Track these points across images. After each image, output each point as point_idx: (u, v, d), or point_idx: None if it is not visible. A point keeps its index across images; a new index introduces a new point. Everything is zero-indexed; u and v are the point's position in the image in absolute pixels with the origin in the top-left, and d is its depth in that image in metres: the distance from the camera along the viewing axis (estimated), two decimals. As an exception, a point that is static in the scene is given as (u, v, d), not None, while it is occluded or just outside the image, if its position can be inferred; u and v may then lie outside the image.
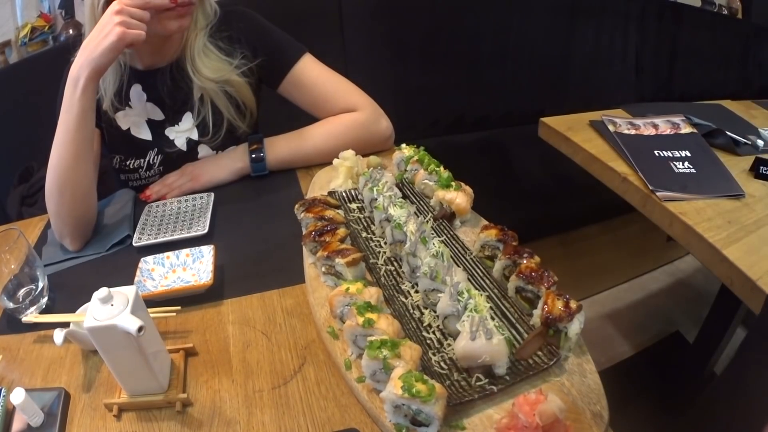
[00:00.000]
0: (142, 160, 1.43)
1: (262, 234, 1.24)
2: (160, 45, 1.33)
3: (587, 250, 2.64)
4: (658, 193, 1.35)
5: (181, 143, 1.43)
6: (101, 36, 1.08)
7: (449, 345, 0.83)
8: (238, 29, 1.37)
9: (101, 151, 1.38)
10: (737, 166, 1.50)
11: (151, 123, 1.41)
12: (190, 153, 1.44)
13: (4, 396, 0.81)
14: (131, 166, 1.44)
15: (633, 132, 1.63)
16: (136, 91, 1.37)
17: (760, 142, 1.63)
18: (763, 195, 1.38)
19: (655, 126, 1.66)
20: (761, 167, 1.46)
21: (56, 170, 1.14)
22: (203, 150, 1.45)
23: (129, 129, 1.40)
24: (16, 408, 0.77)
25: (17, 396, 0.75)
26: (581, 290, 2.70)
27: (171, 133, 1.42)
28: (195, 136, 1.43)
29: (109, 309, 0.72)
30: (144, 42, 1.12)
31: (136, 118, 1.40)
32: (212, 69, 1.33)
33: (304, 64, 1.41)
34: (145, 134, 1.41)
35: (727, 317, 1.90)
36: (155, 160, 1.44)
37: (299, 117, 1.46)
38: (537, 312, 0.82)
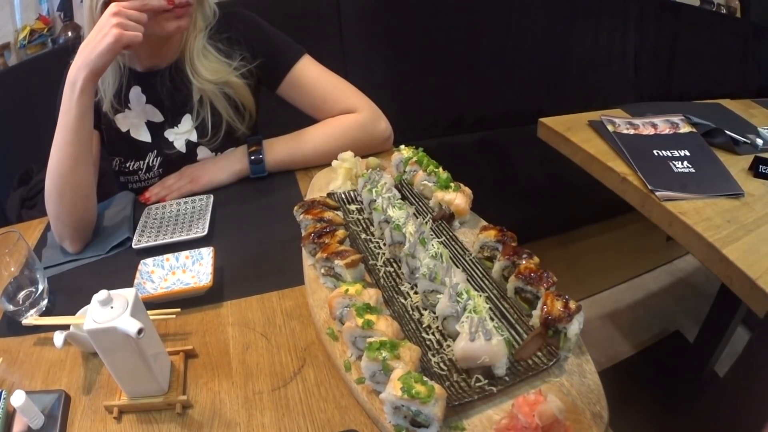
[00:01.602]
0: (141, 162, 1.44)
1: (262, 236, 1.24)
2: (159, 47, 1.33)
3: (587, 250, 2.64)
4: (657, 193, 1.35)
5: (180, 145, 1.43)
6: (98, 38, 1.08)
7: (449, 346, 0.83)
8: (238, 31, 1.38)
9: (100, 153, 1.38)
10: (736, 165, 1.50)
11: (150, 125, 1.41)
12: (189, 155, 1.45)
13: (4, 398, 0.81)
14: (131, 168, 1.44)
15: (632, 132, 1.63)
16: (136, 93, 1.37)
17: (760, 141, 1.62)
18: (763, 194, 1.38)
19: (654, 126, 1.66)
20: (760, 166, 1.46)
21: (55, 172, 1.15)
22: (202, 152, 1.45)
23: (128, 131, 1.40)
24: (16, 410, 0.77)
25: (18, 398, 0.75)
26: (581, 290, 2.71)
27: (170, 135, 1.42)
28: (194, 137, 1.43)
29: (108, 311, 0.72)
30: (143, 44, 1.13)
31: (135, 120, 1.40)
32: (211, 71, 1.34)
33: (303, 66, 1.41)
34: (145, 136, 1.42)
35: (728, 316, 1.90)
36: (155, 162, 1.44)
37: (298, 119, 1.46)
38: (536, 313, 0.83)
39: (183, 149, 1.43)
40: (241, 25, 1.39)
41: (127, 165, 1.44)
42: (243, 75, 1.38)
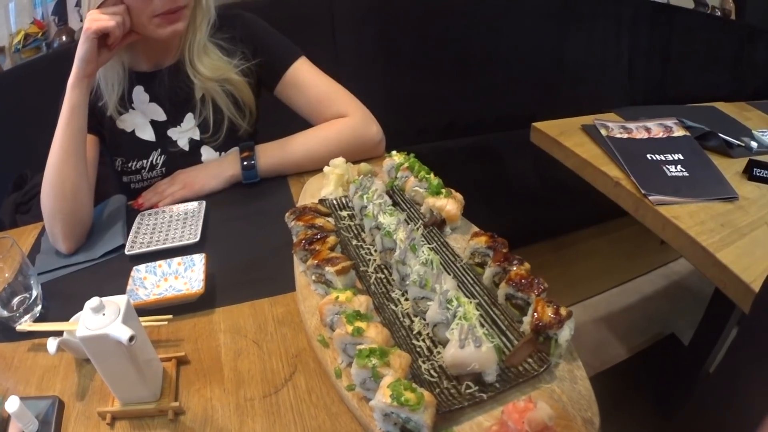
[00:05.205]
0: (145, 161, 1.45)
1: (253, 242, 1.24)
2: (159, 47, 1.36)
3: (580, 254, 2.64)
4: (650, 197, 1.35)
5: (183, 143, 1.45)
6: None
7: (439, 353, 0.83)
8: (240, 31, 1.41)
9: (98, 158, 1.39)
10: (730, 169, 1.51)
11: (154, 124, 1.43)
12: (193, 153, 1.46)
13: (-2, 405, 0.81)
14: (134, 168, 1.45)
15: (625, 136, 1.64)
16: (139, 93, 1.40)
17: (754, 144, 1.63)
18: (757, 197, 1.39)
19: (648, 129, 1.67)
20: (755, 169, 1.47)
21: (48, 166, 1.19)
22: (206, 152, 1.47)
23: (133, 131, 1.42)
24: (11, 416, 0.77)
25: (12, 404, 0.75)
26: (575, 294, 2.71)
27: (174, 133, 1.44)
28: (197, 136, 1.45)
29: (101, 318, 0.72)
30: (142, 45, 1.27)
31: (139, 120, 1.42)
32: (212, 68, 1.36)
33: (300, 66, 1.44)
34: (149, 135, 1.43)
35: (722, 319, 1.90)
36: (158, 161, 1.45)
37: (293, 126, 1.47)
38: (527, 319, 0.83)
39: (186, 147, 1.45)
40: (244, 26, 1.42)
41: (130, 165, 1.45)
42: (243, 72, 1.41)
